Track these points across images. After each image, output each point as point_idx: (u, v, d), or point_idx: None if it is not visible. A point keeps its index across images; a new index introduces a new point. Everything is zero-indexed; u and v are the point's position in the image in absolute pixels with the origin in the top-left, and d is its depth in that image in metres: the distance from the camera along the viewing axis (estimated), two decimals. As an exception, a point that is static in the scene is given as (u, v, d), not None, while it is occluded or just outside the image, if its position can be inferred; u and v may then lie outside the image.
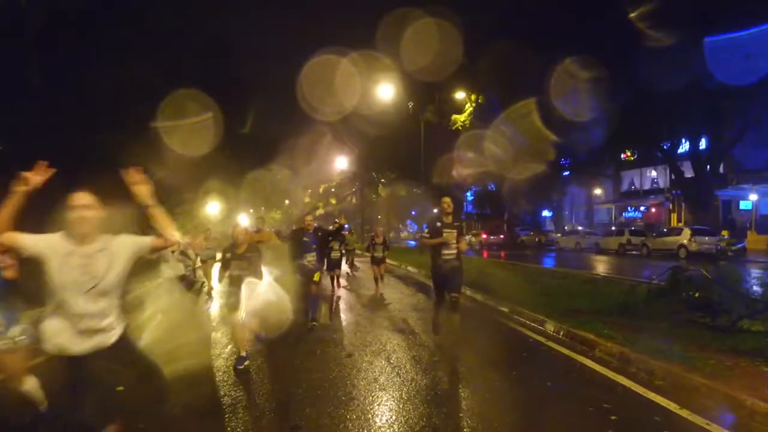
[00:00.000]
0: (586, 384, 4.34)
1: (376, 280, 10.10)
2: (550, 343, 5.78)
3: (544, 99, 17.36)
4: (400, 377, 4.46)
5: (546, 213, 39.48)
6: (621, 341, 5.15)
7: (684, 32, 13.68)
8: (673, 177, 26.92)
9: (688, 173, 23.34)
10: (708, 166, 22.04)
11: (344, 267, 11.93)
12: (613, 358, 4.91)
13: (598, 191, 36.31)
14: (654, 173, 32.80)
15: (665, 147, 23.58)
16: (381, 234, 10.60)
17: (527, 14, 17.26)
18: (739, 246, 17.65)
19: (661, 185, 31.26)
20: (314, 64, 22.09)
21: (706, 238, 18.65)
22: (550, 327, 6.46)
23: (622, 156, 31.80)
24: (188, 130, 18.74)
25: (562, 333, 6.12)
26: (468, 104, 22.05)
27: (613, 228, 26.98)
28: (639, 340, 5.14)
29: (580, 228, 32.52)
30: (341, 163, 38.41)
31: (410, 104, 23.09)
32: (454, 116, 22.45)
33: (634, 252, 22.00)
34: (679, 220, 26.40)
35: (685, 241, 18.77)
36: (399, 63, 20.36)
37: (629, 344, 5.02)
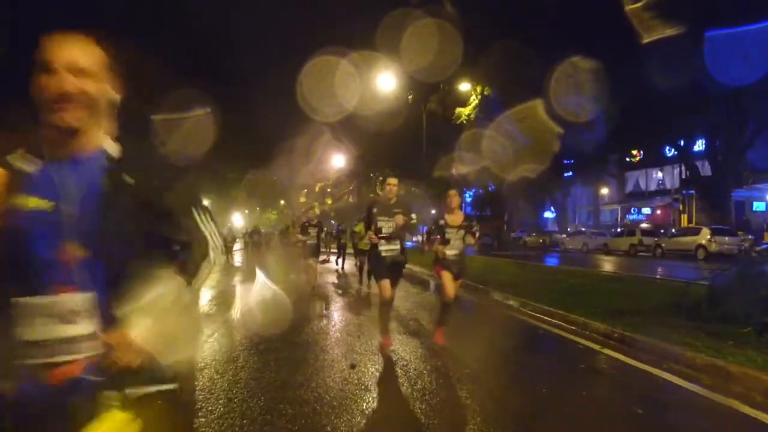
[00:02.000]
0: (700, 418, 3.09)
1: (442, 316, 4.71)
2: (606, 351, 4.56)
3: (549, 96, 16.48)
4: (424, 401, 3.19)
5: (548, 214, 38.39)
6: (712, 353, 3.92)
7: (690, 29, 12.80)
8: (684, 177, 25.99)
9: (703, 173, 22.35)
10: (725, 166, 21.01)
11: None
12: (703, 374, 3.69)
13: (604, 191, 35.30)
14: (660, 174, 31.79)
15: (680, 144, 22.62)
16: (458, 204, 4.83)
17: (528, 12, 16.49)
18: (764, 247, 16.53)
19: (668, 186, 30.22)
20: (314, 63, 21.46)
21: (727, 239, 17.54)
22: (596, 329, 5.27)
23: (628, 156, 30.85)
24: (185, 127, 18.49)
25: (615, 337, 4.91)
26: (473, 96, 20.85)
27: (620, 229, 25.88)
28: (731, 351, 3.94)
29: (583, 229, 31.36)
30: (338, 161, 37.13)
31: (410, 95, 21.89)
32: (458, 109, 21.25)
33: (645, 253, 20.83)
34: (689, 221, 25.31)
35: (704, 242, 17.62)
36: (400, 62, 19.53)
37: (722, 357, 3.81)
